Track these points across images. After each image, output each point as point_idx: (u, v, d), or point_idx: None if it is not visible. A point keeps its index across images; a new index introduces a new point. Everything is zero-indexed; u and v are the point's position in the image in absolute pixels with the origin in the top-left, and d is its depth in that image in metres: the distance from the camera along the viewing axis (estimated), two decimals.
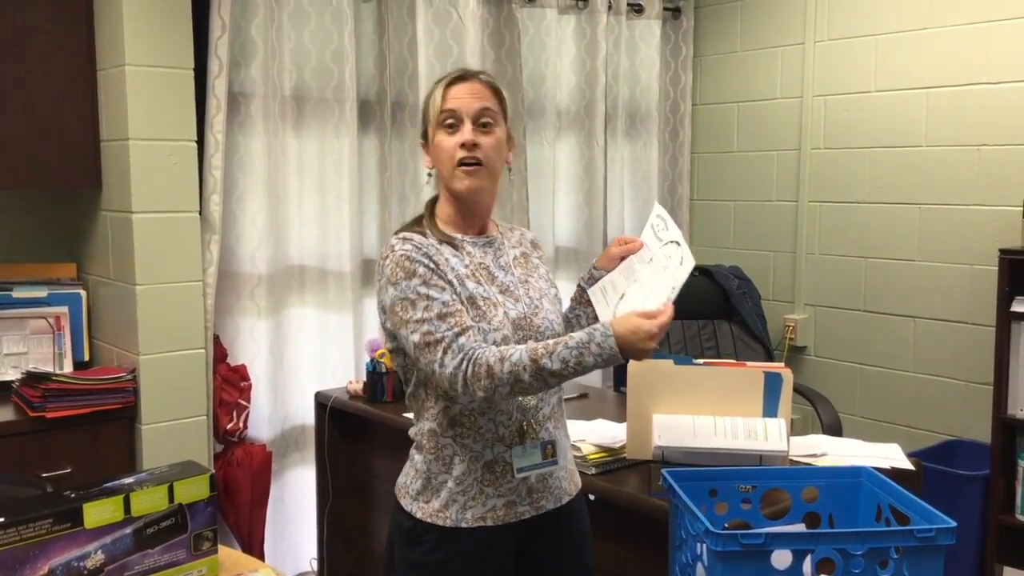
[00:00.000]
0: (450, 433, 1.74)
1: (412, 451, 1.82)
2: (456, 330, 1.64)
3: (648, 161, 4.24)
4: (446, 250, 1.75)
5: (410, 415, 1.87)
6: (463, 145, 1.72)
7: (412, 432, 1.82)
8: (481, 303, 1.72)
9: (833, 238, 3.86)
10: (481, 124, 1.73)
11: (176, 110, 2.81)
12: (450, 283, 1.70)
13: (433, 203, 1.84)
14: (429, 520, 1.74)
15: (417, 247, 1.70)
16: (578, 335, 1.63)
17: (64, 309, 2.98)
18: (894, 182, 3.64)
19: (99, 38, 2.84)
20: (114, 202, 2.86)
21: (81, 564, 1.57)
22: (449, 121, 1.73)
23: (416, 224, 1.80)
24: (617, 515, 2.15)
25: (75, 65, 2.83)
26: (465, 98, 1.73)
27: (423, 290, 1.66)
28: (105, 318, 3.01)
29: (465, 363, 1.62)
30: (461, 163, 1.73)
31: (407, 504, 1.78)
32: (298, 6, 3.17)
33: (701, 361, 2.27)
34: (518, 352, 1.62)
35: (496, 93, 1.77)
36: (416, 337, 1.65)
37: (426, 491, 1.75)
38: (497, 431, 1.73)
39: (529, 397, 1.75)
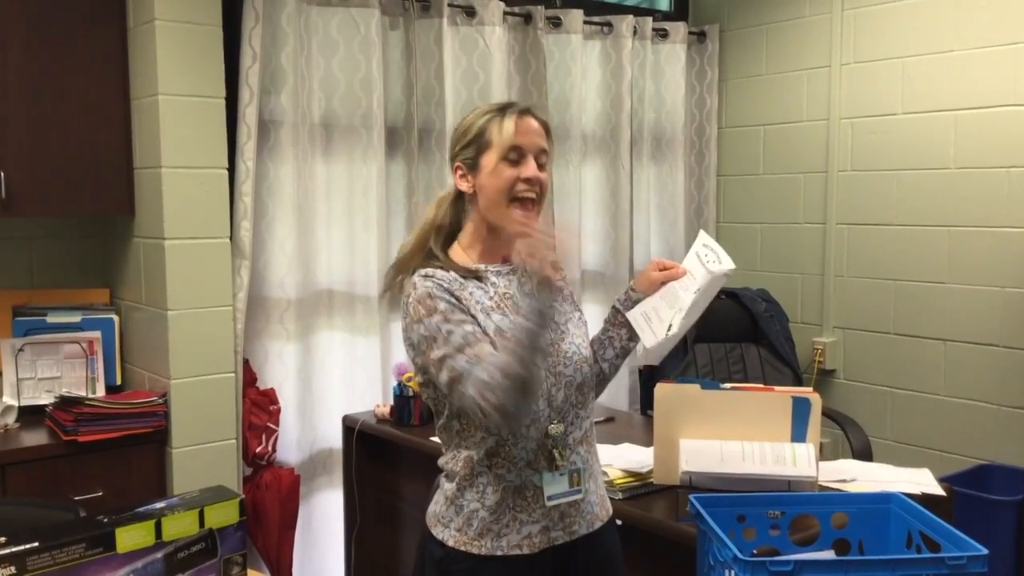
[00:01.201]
0: (486, 463, 1.73)
1: (442, 479, 1.81)
2: (474, 361, 1.63)
3: (674, 184, 4.24)
4: (471, 284, 1.75)
5: (436, 439, 1.87)
6: (528, 180, 1.73)
7: (442, 461, 1.82)
8: (508, 334, 1.72)
9: (861, 261, 3.84)
10: (540, 163, 1.77)
11: (208, 138, 2.86)
12: (473, 317, 1.70)
13: (448, 236, 1.82)
14: (463, 548, 1.73)
15: (439, 283, 1.70)
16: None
17: (97, 334, 3.03)
18: (922, 204, 3.62)
19: (133, 68, 2.90)
20: (147, 229, 2.91)
21: None
22: (514, 156, 1.74)
23: (432, 259, 1.78)
24: (645, 541, 2.14)
25: (110, 95, 2.89)
26: (531, 135, 1.76)
27: (444, 327, 1.66)
28: (137, 343, 3.05)
29: (473, 391, 1.63)
30: (517, 197, 1.74)
31: (439, 533, 1.76)
32: (327, 35, 3.22)
33: (728, 386, 2.26)
34: (489, 350, 1.64)
35: (548, 131, 1.82)
36: (444, 376, 1.64)
37: (459, 519, 1.74)
38: (526, 456, 1.73)
39: (557, 424, 1.74)
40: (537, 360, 1.62)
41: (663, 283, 1.89)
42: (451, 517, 1.75)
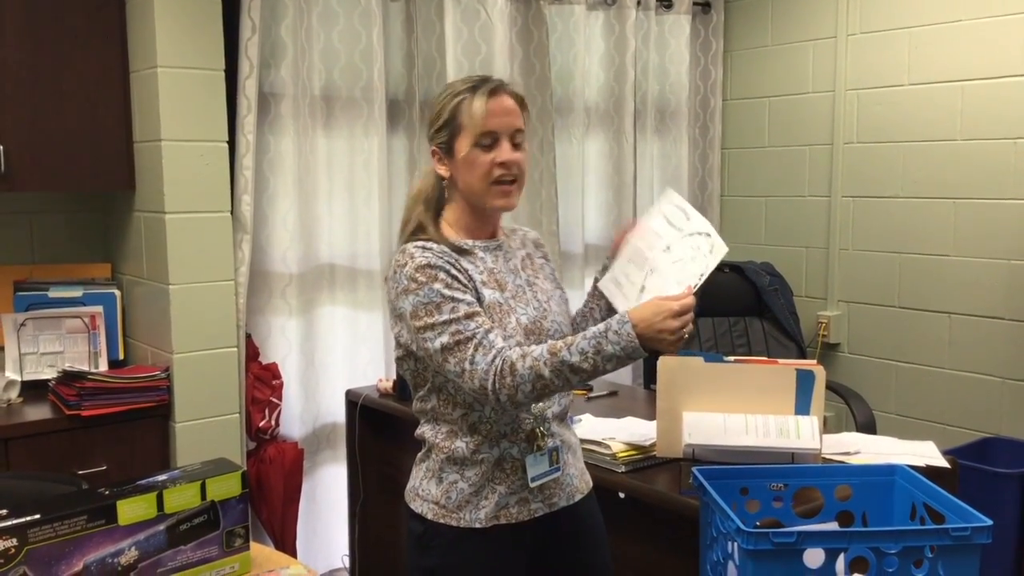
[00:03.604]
0: (466, 438, 1.73)
1: (419, 455, 1.81)
2: (486, 327, 1.64)
3: (678, 157, 4.21)
4: (464, 259, 1.74)
5: None
6: (503, 164, 1.71)
7: (419, 434, 1.81)
8: (496, 310, 1.72)
9: (866, 234, 3.82)
10: (515, 143, 1.73)
11: (207, 111, 2.84)
12: (469, 289, 1.70)
13: (436, 211, 1.80)
14: (443, 522, 1.72)
15: (438, 255, 1.70)
16: (595, 327, 1.62)
17: (99, 309, 3.02)
18: (929, 176, 3.59)
19: (131, 41, 2.87)
20: (147, 203, 2.90)
21: (115, 560, 1.59)
22: (487, 141, 1.70)
23: (421, 232, 1.76)
24: (647, 513, 2.14)
25: (108, 68, 2.86)
26: (504, 116, 1.71)
27: (448, 292, 1.65)
28: (139, 317, 3.05)
29: (497, 360, 1.60)
30: (497, 181, 1.72)
31: (418, 507, 1.76)
32: (327, 6, 3.19)
33: (732, 358, 2.25)
34: (539, 348, 1.62)
35: (523, 106, 1.76)
36: (444, 339, 1.63)
37: (437, 492, 1.74)
38: (503, 430, 1.73)
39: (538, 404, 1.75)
40: (576, 382, 1.64)
41: (625, 243, 1.87)
42: (430, 491, 1.75)
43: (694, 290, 1.65)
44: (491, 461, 1.73)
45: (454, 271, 1.69)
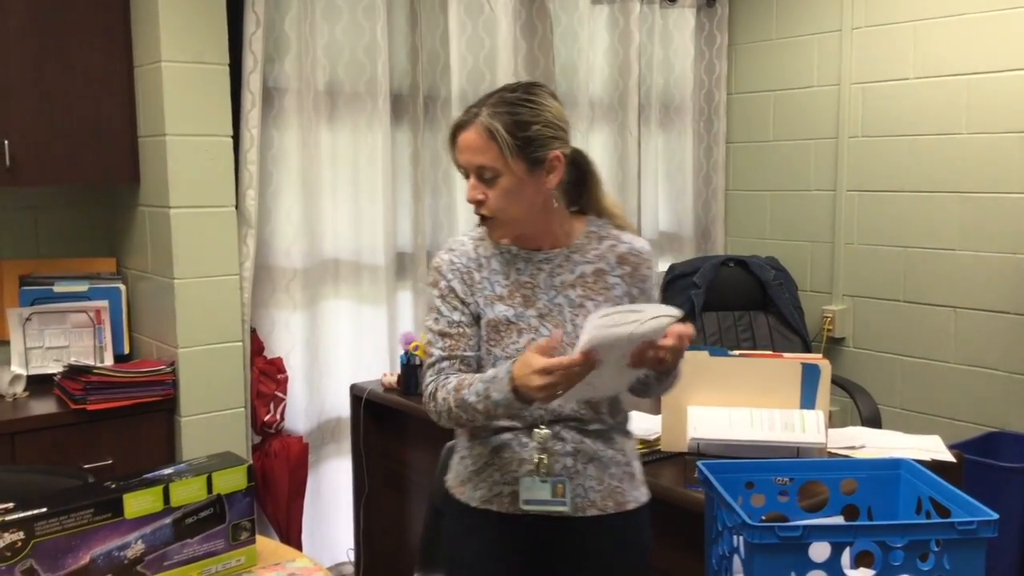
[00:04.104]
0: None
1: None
2: (445, 353, 1.72)
3: (682, 152, 4.20)
4: (495, 261, 1.75)
5: None
6: (470, 200, 1.70)
7: None
8: (503, 328, 1.71)
9: (872, 228, 3.81)
10: (484, 178, 1.67)
11: (212, 105, 2.84)
12: (466, 305, 1.73)
13: None
14: (452, 493, 1.81)
15: (452, 262, 1.75)
16: (492, 370, 1.63)
17: (104, 303, 3.02)
18: (934, 170, 3.58)
19: (136, 35, 2.87)
20: (152, 197, 2.90)
21: (122, 554, 1.60)
22: (464, 174, 1.71)
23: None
24: (652, 507, 2.14)
25: (113, 62, 2.86)
26: (466, 153, 1.67)
27: (438, 303, 1.75)
28: (144, 312, 3.05)
29: (431, 385, 1.71)
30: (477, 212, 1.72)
31: (447, 479, 1.85)
32: (331, 1, 3.18)
33: (737, 353, 2.25)
34: (456, 381, 1.67)
35: (493, 135, 1.63)
36: (426, 342, 1.77)
37: (455, 465, 1.83)
38: (497, 422, 1.73)
39: (543, 429, 1.70)
40: (481, 419, 1.65)
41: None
42: (452, 465, 1.85)
43: (589, 346, 1.48)
44: (491, 445, 1.75)
45: (456, 283, 1.73)
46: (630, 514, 1.79)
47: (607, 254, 1.77)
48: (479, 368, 1.73)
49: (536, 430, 1.71)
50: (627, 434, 1.84)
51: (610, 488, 1.77)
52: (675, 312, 1.51)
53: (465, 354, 1.72)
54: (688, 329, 1.58)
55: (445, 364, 1.71)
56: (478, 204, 1.68)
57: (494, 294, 1.73)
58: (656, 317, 1.49)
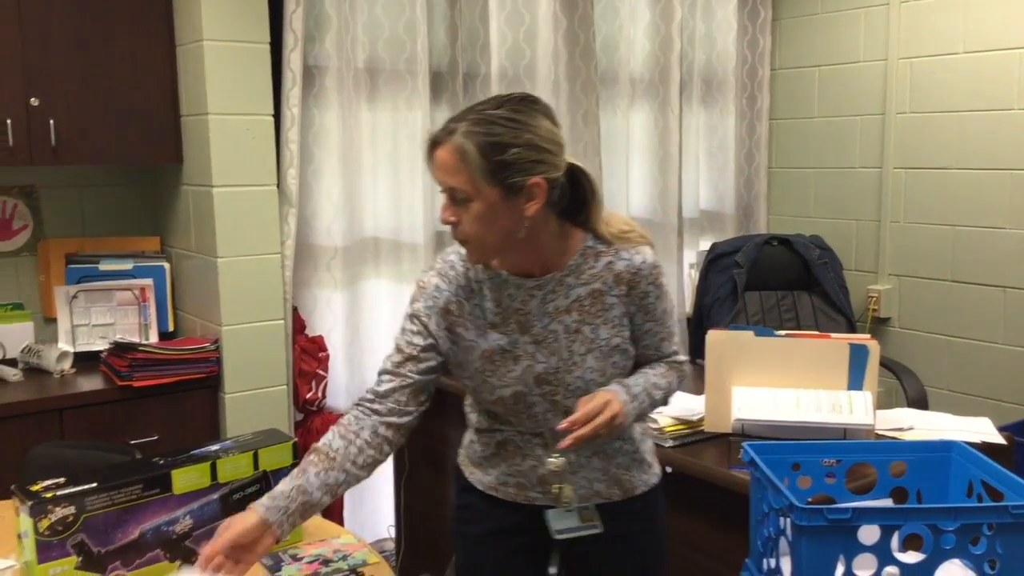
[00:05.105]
0: (478, 415, 1.79)
1: None
2: (388, 376, 1.64)
3: (724, 129, 4.15)
4: (487, 287, 1.65)
5: None
6: (443, 222, 1.58)
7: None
8: (498, 358, 1.64)
9: (919, 206, 3.73)
10: (456, 199, 1.53)
11: (253, 84, 2.85)
12: (435, 339, 1.63)
13: None
14: (463, 471, 1.82)
15: (435, 295, 1.64)
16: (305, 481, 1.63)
17: (149, 281, 3.06)
18: (984, 147, 3.50)
19: (177, 14, 2.89)
20: (195, 176, 2.92)
21: (170, 528, 1.62)
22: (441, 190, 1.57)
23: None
24: (695, 488, 2.13)
25: (154, 42, 2.88)
26: (438, 172, 1.53)
27: (406, 323, 1.66)
28: (188, 290, 3.08)
29: (356, 409, 1.69)
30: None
31: (458, 456, 1.86)
32: None
33: (783, 333, 2.22)
34: (348, 417, 1.69)
35: (464, 157, 1.49)
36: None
37: (463, 443, 1.84)
38: (506, 418, 1.71)
39: (557, 457, 1.63)
40: None
41: None
42: (464, 443, 1.85)
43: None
44: (496, 440, 1.74)
45: (437, 307, 1.64)
46: (638, 498, 1.76)
47: (603, 273, 1.64)
48: (475, 392, 1.70)
49: (550, 459, 1.63)
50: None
51: (615, 477, 1.73)
52: None
53: (486, 379, 1.66)
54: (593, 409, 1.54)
55: (381, 388, 1.64)
56: (452, 226, 1.55)
57: (486, 322, 1.64)
58: None
